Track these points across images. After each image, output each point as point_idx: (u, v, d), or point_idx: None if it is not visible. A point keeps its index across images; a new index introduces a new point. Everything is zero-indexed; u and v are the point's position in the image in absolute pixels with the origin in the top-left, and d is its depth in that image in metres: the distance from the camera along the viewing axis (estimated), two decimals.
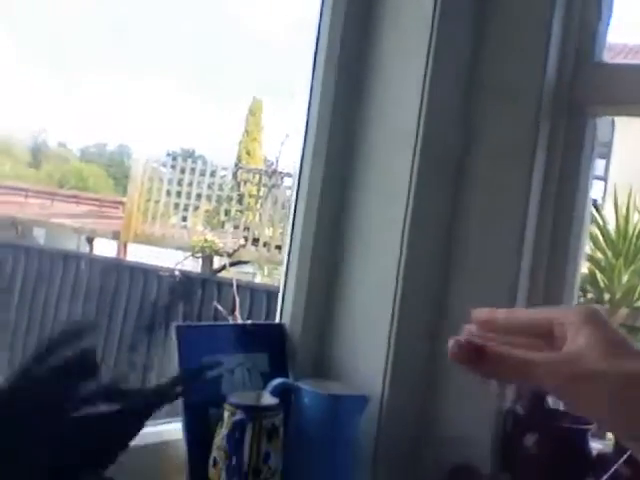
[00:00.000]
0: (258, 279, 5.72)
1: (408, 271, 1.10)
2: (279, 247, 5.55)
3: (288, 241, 1.17)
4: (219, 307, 4.70)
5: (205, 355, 1.02)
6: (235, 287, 4.62)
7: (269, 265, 5.72)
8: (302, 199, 1.15)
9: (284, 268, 1.17)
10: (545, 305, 1.09)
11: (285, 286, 1.16)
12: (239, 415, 0.91)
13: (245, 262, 5.73)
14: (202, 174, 5.97)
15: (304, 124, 1.16)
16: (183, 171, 5.99)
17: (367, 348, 1.13)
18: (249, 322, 1.15)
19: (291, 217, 1.17)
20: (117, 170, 9.84)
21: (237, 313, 4.46)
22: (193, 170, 5.98)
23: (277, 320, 1.16)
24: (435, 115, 1.11)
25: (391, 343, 1.10)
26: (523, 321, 0.46)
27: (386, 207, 1.12)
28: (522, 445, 1.11)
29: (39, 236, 6.73)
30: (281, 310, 1.16)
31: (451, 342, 0.42)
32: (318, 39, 1.15)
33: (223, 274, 5.28)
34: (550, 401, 1.10)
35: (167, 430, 1.00)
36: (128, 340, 4.86)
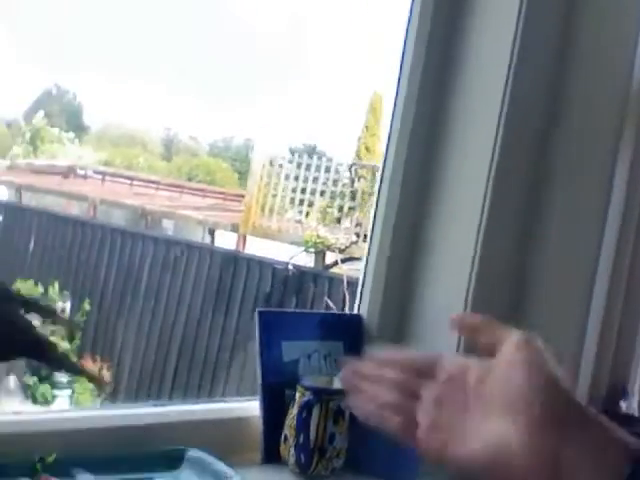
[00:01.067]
0: None
1: (483, 269, 1.11)
2: None
3: (369, 234, 1.22)
4: (329, 302, 4.80)
5: (284, 340, 1.09)
6: (345, 283, 4.70)
7: None
8: (383, 195, 1.18)
9: (364, 261, 1.22)
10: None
11: (364, 278, 1.20)
12: (307, 396, 0.97)
13: (357, 259, 5.79)
14: (317, 170, 6.10)
15: (388, 124, 1.19)
16: (299, 166, 6.15)
17: (442, 342, 1.14)
18: (328, 312, 1.20)
19: (373, 211, 1.21)
20: (242, 165, 10.24)
21: (347, 309, 4.54)
22: (309, 166, 6.13)
23: (356, 311, 1.21)
24: (520, 102, 1.11)
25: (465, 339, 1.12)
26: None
27: (462, 214, 1.14)
28: None
29: (168, 227, 7.17)
30: (359, 302, 1.21)
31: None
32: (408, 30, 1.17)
33: (335, 270, 5.38)
34: (624, 406, 1.07)
35: (246, 407, 1.08)
36: (245, 329, 5.08)
